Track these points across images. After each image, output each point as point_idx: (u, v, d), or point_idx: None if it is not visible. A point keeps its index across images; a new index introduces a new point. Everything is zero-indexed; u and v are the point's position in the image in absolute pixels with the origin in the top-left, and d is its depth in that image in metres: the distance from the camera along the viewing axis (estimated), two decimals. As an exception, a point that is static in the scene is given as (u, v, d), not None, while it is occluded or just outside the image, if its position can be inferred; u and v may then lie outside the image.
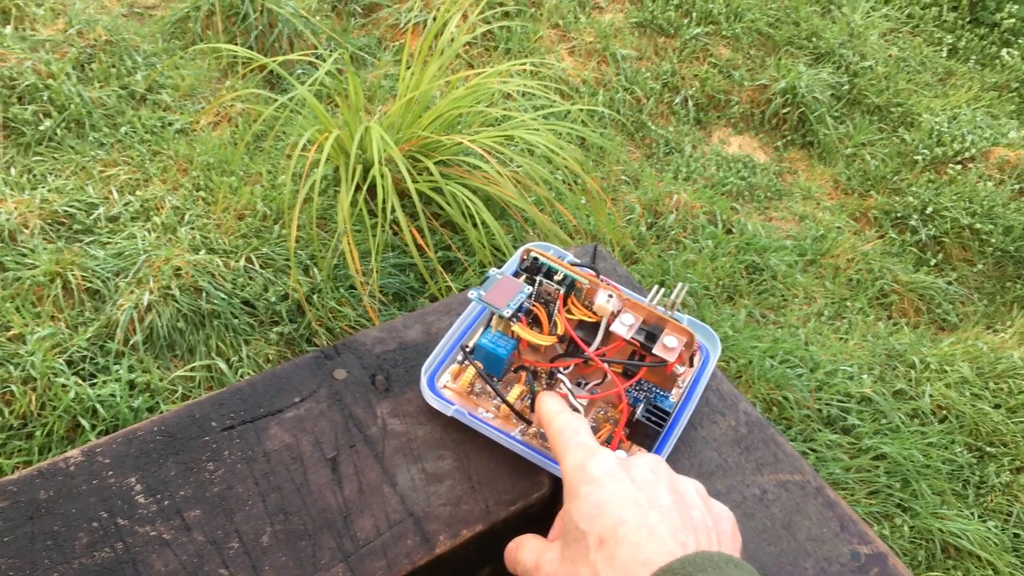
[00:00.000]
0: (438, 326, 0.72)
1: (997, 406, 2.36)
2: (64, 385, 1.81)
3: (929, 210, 2.99)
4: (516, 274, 0.69)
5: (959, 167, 3.18)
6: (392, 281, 2.19)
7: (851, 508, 0.64)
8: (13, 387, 1.78)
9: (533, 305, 0.67)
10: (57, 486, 0.56)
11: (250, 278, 2.09)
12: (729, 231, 2.76)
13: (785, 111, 3.30)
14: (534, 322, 0.67)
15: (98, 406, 1.79)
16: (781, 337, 2.38)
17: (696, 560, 0.41)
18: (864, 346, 2.47)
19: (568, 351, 0.68)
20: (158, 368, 1.93)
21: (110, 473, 0.58)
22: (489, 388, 0.66)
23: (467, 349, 0.67)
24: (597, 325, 0.67)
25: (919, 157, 3.23)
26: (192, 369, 1.95)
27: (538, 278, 0.67)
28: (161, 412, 1.84)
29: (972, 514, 2.13)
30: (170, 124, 2.56)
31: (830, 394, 2.24)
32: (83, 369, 1.88)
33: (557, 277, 0.67)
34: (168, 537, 0.55)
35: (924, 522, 2.06)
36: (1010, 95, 3.77)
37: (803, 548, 0.61)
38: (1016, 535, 2.13)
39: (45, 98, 2.45)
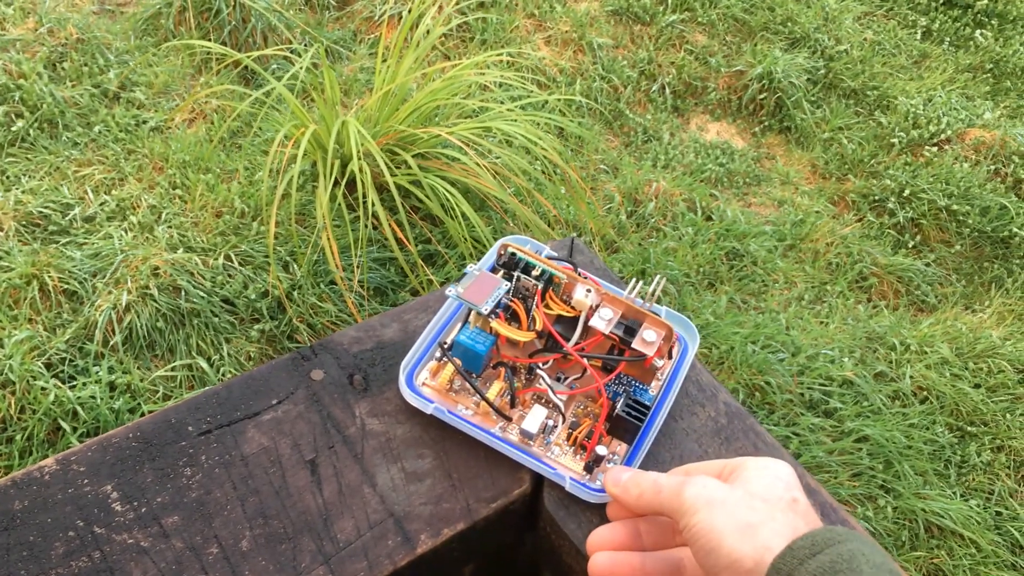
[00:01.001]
0: (415, 324, 0.71)
1: (977, 386, 2.38)
2: (43, 388, 1.79)
3: (906, 192, 3.00)
4: (493, 270, 0.69)
5: (935, 149, 3.19)
6: (372, 276, 2.19)
7: (832, 496, 0.64)
8: (-9, 391, 1.77)
9: (511, 301, 0.67)
10: (32, 496, 0.56)
11: (229, 276, 2.08)
12: (709, 218, 2.77)
13: (762, 97, 3.31)
14: (512, 318, 0.67)
15: (78, 408, 1.78)
16: (762, 322, 2.38)
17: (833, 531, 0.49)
18: (845, 329, 2.48)
19: (547, 346, 0.68)
20: (138, 369, 1.91)
21: (86, 481, 0.57)
22: (468, 385, 0.66)
23: (445, 346, 0.67)
24: (576, 320, 0.67)
25: (895, 140, 3.24)
26: (173, 369, 1.93)
27: (516, 273, 0.67)
28: (142, 413, 1.83)
29: (954, 493, 2.15)
30: (144, 122, 2.54)
31: (812, 378, 2.26)
32: (62, 371, 1.87)
33: (535, 272, 0.67)
34: (146, 544, 0.55)
35: (907, 502, 2.08)
36: (984, 76, 3.79)
37: (785, 537, 0.61)
38: (998, 513, 2.15)
39: (16, 98, 2.43)
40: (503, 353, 0.67)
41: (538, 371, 0.67)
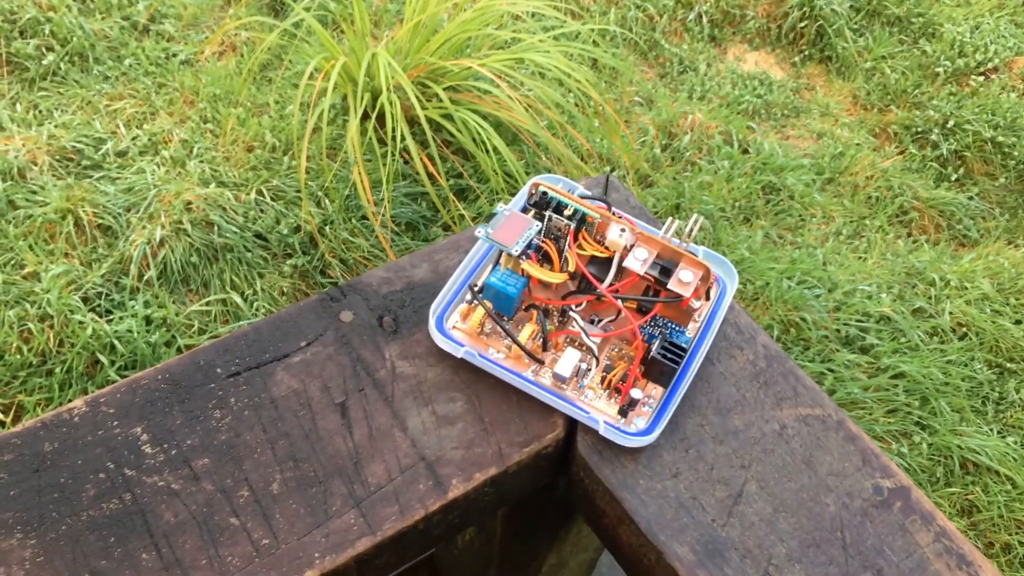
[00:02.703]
0: (446, 264, 0.70)
1: (1018, 322, 2.34)
2: (81, 322, 1.81)
3: (950, 124, 2.92)
4: (524, 209, 0.67)
5: (981, 78, 3.09)
6: (404, 211, 2.17)
7: (872, 441, 0.62)
8: (31, 325, 1.79)
9: (543, 241, 0.65)
10: (62, 438, 0.56)
11: (261, 211, 2.07)
12: (745, 151, 2.71)
13: (802, 25, 3.21)
14: (544, 259, 0.66)
15: (116, 342, 1.80)
16: (799, 258, 2.35)
17: None
18: (883, 264, 2.44)
19: (580, 288, 0.66)
20: (173, 303, 1.93)
21: (115, 423, 0.57)
22: (499, 328, 0.64)
23: (476, 288, 0.65)
24: (610, 260, 0.65)
25: (940, 69, 3.15)
26: (207, 303, 1.94)
27: (547, 213, 0.65)
28: (178, 347, 1.84)
29: (991, 430, 2.13)
30: (174, 55, 2.52)
31: (848, 314, 2.23)
32: (99, 306, 1.88)
33: (567, 211, 0.65)
34: (177, 487, 0.55)
35: (943, 439, 2.06)
36: (1035, 1, 3.66)
37: (824, 483, 0.60)
38: (1035, 451, 2.13)
39: (47, 31, 2.41)
40: (535, 295, 0.66)
41: (571, 313, 0.65)
